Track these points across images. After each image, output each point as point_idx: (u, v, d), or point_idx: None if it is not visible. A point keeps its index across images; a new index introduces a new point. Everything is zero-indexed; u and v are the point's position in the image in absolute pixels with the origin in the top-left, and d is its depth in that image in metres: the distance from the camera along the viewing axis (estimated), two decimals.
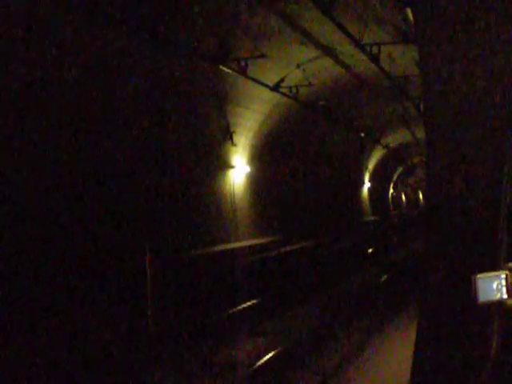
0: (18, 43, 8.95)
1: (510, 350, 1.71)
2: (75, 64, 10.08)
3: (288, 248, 18.35)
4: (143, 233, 12.19)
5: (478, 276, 1.79)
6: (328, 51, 14.98)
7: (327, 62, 15.93)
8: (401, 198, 51.71)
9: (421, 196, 57.05)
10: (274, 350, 9.80)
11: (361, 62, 15.52)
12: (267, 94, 16.08)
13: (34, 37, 9.10)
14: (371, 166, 34.77)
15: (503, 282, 1.79)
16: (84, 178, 10.81)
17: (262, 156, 18.99)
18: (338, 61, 15.92)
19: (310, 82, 16.42)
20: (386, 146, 31.52)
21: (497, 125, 3.45)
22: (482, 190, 3.32)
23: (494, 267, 2.62)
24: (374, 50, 13.47)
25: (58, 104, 10.12)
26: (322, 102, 18.96)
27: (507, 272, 1.80)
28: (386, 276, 18.24)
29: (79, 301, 9.92)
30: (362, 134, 25.54)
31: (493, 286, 1.79)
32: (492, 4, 3.49)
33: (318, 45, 14.41)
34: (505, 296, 1.79)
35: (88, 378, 8.31)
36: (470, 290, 1.80)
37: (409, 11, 9.68)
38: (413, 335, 3.60)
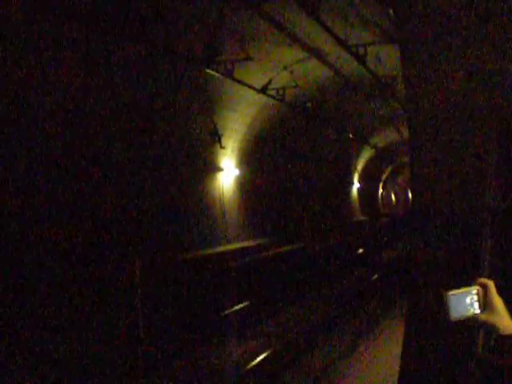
0: None
1: (492, 349, 1.72)
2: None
3: (278, 250, 18.34)
4: (131, 237, 12.14)
5: (450, 293, 1.79)
6: (315, 53, 15.00)
7: (314, 64, 15.95)
8: (390, 197, 51.85)
9: (410, 195, 57.20)
10: (265, 352, 9.79)
11: (347, 63, 15.56)
12: (254, 97, 16.08)
13: None
14: (360, 166, 34.83)
15: (475, 298, 1.80)
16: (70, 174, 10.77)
17: (250, 158, 18.98)
18: (324, 62, 15.95)
19: (296, 84, 16.44)
20: (375, 146, 31.59)
21: (480, 124, 3.45)
22: (466, 193, 3.33)
23: (476, 275, 2.62)
24: (361, 50, 13.50)
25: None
26: (309, 104, 18.98)
27: (478, 287, 1.81)
28: (375, 276, 18.30)
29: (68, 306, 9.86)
30: (350, 135, 25.58)
31: (466, 302, 1.80)
32: (475, 4, 3.50)
33: (304, 46, 14.42)
34: (477, 311, 1.81)
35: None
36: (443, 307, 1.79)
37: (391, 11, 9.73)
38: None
